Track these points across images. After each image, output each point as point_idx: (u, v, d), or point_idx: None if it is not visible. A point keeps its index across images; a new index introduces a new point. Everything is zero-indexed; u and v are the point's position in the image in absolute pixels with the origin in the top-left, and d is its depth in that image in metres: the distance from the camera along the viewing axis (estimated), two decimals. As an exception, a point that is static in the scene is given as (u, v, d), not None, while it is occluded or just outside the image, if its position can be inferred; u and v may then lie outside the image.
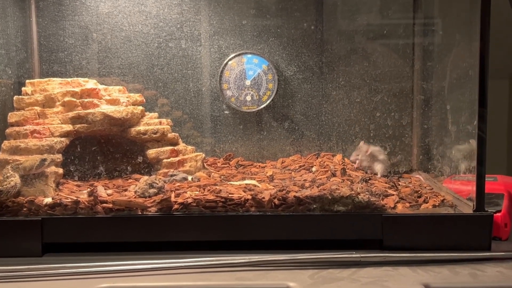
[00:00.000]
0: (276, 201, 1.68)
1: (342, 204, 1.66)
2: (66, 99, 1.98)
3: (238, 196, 1.70)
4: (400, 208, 1.72)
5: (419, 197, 1.83)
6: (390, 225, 1.63)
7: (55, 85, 2.05)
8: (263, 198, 1.69)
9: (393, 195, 1.80)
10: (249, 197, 1.69)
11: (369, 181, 1.94)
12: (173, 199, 1.70)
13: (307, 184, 1.86)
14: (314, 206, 1.66)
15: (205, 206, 1.67)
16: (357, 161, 2.15)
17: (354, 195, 1.66)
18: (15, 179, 1.68)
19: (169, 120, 2.21)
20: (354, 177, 1.99)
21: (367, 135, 2.31)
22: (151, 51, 2.33)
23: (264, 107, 2.36)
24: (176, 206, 1.67)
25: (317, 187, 1.83)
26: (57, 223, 1.60)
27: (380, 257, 1.56)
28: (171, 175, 1.98)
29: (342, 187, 1.79)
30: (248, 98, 2.35)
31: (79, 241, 1.61)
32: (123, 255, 1.57)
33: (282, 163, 2.31)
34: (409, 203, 1.77)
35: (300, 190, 1.78)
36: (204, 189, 1.83)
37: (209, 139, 2.42)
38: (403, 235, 1.62)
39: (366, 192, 1.74)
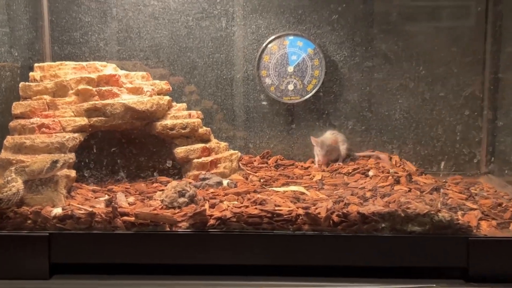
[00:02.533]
0: (335, 217, 1.37)
1: (418, 224, 1.36)
2: (81, 87, 1.72)
3: (288, 211, 1.41)
4: (485, 228, 1.43)
5: (504, 211, 1.51)
6: (477, 250, 1.34)
7: (68, 70, 1.78)
8: (319, 213, 1.39)
9: (475, 209, 1.48)
10: (301, 212, 1.39)
11: (442, 191, 1.61)
12: (208, 212, 1.40)
13: (368, 194, 1.54)
14: (383, 225, 1.37)
15: (247, 222, 1.40)
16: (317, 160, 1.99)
17: (433, 212, 1.35)
18: (17, 185, 1.42)
19: (199, 112, 1.91)
20: (422, 185, 1.67)
21: (429, 133, 1.99)
22: (179, 31, 2.06)
23: (308, 98, 2.06)
24: (212, 222, 1.39)
25: (381, 198, 1.51)
26: (68, 239, 1.39)
27: (467, 291, 1.29)
28: (203, 179, 1.69)
29: (413, 199, 1.48)
30: (291, 87, 2.05)
31: (94, 262, 1.40)
32: (147, 280, 1.37)
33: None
34: (494, 219, 1.46)
35: (362, 203, 1.47)
36: (243, 198, 1.53)
37: (243, 133, 2.13)
38: (493, 264, 1.35)
39: (444, 206, 1.43)
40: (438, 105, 1.99)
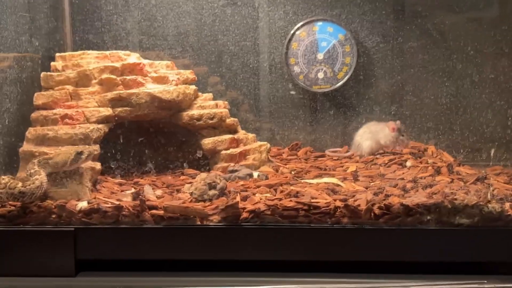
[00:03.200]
0: (376, 209, 1.29)
1: (466, 216, 1.27)
2: (104, 76, 1.66)
3: (325, 203, 1.32)
4: None
5: (555, 203, 1.41)
6: None
7: (91, 59, 1.73)
8: (359, 205, 1.30)
9: (525, 201, 1.39)
10: (340, 204, 1.31)
11: (486, 182, 1.52)
12: (240, 205, 1.32)
13: (408, 185, 1.45)
14: (428, 217, 1.28)
15: (283, 215, 1.32)
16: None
17: (482, 203, 1.26)
18: (41, 178, 1.37)
19: (226, 102, 1.83)
20: (464, 175, 1.57)
21: (469, 122, 1.89)
22: (204, 19, 1.98)
23: (339, 86, 1.96)
24: (245, 215, 1.32)
25: (423, 189, 1.42)
26: (94, 234, 1.33)
27: (522, 288, 1.21)
28: (232, 171, 1.62)
29: (458, 190, 1.38)
30: (320, 75, 1.97)
31: (121, 258, 1.33)
32: (178, 277, 1.30)
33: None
34: (545, 211, 1.36)
35: (403, 195, 1.38)
36: (276, 191, 1.45)
37: (270, 124, 2.04)
38: (549, 258, 1.25)
39: (492, 197, 1.33)
40: (477, 91, 1.89)
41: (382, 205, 1.30)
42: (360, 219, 1.30)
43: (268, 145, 1.83)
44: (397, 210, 1.29)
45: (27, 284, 1.28)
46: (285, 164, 1.83)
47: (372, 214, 1.30)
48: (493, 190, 1.46)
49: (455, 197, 1.32)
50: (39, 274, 1.30)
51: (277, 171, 1.73)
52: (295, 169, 1.74)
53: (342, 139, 1.99)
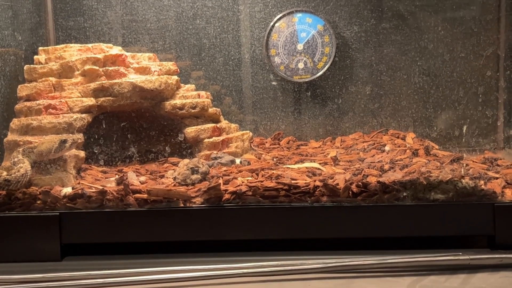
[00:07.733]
0: (354, 187, 1.32)
1: (441, 191, 1.31)
2: (87, 67, 1.68)
3: (305, 183, 1.35)
4: (510, 195, 1.36)
5: (528, 180, 1.45)
6: (504, 217, 1.29)
7: (73, 52, 1.75)
8: (337, 184, 1.33)
9: (497, 178, 1.43)
10: (319, 183, 1.34)
11: (461, 162, 1.56)
12: (222, 187, 1.35)
13: (386, 167, 1.49)
14: (404, 194, 1.31)
15: (264, 195, 1.35)
16: None
17: (456, 179, 1.29)
18: (25, 166, 1.38)
19: (208, 93, 1.86)
20: (441, 156, 1.61)
21: (445, 109, 1.92)
22: (185, 12, 2.01)
23: (319, 76, 2.00)
24: (227, 196, 1.34)
25: (401, 169, 1.46)
26: (79, 219, 1.34)
27: (495, 259, 1.25)
28: (215, 158, 1.64)
29: (433, 170, 1.42)
30: (301, 65, 2.00)
31: (106, 241, 1.34)
32: (162, 259, 1.31)
33: (342, 142, 1.94)
34: (519, 188, 1.40)
35: (380, 175, 1.41)
36: (258, 175, 1.48)
37: (253, 116, 2.07)
38: (521, 230, 1.29)
39: (466, 174, 1.37)
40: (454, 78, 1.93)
41: (360, 183, 1.34)
42: (338, 198, 1.33)
43: (251, 134, 1.86)
44: (374, 188, 1.32)
45: (13, 269, 1.28)
46: (268, 152, 1.86)
47: (350, 192, 1.33)
48: (468, 170, 1.50)
49: (430, 174, 1.36)
50: (25, 260, 1.31)
51: (259, 158, 1.76)
52: (277, 156, 1.77)
53: (323, 127, 2.02)
